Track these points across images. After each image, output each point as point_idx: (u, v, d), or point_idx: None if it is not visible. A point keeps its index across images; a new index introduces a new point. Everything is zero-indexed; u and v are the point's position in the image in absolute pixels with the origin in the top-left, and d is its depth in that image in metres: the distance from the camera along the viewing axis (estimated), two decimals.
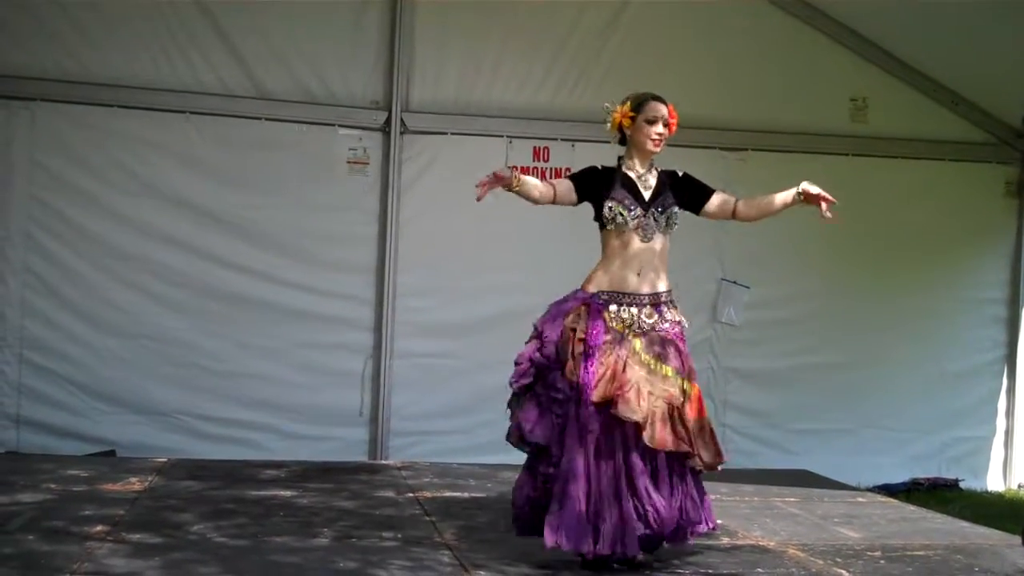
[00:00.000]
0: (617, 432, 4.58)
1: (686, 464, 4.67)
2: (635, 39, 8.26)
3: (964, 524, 6.30)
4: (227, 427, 7.80)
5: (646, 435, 4.54)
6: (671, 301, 4.84)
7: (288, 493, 6.21)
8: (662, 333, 4.74)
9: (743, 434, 8.35)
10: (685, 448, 4.60)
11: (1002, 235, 8.98)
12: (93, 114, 7.69)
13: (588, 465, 4.55)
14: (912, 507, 6.84)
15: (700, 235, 7.49)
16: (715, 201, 4.99)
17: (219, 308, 7.82)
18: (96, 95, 7.67)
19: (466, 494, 6.42)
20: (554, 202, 4.84)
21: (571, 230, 8.37)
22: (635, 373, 4.60)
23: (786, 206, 5.00)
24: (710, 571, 4.78)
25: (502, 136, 8.19)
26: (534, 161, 8.19)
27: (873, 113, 8.63)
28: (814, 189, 4.94)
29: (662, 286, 4.82)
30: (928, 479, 8.51)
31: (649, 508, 4.54)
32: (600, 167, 4.89)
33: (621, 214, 4.75)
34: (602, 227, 4.85)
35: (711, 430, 4.74)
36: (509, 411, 4.82)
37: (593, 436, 4.56)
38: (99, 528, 5.08)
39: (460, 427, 8.01)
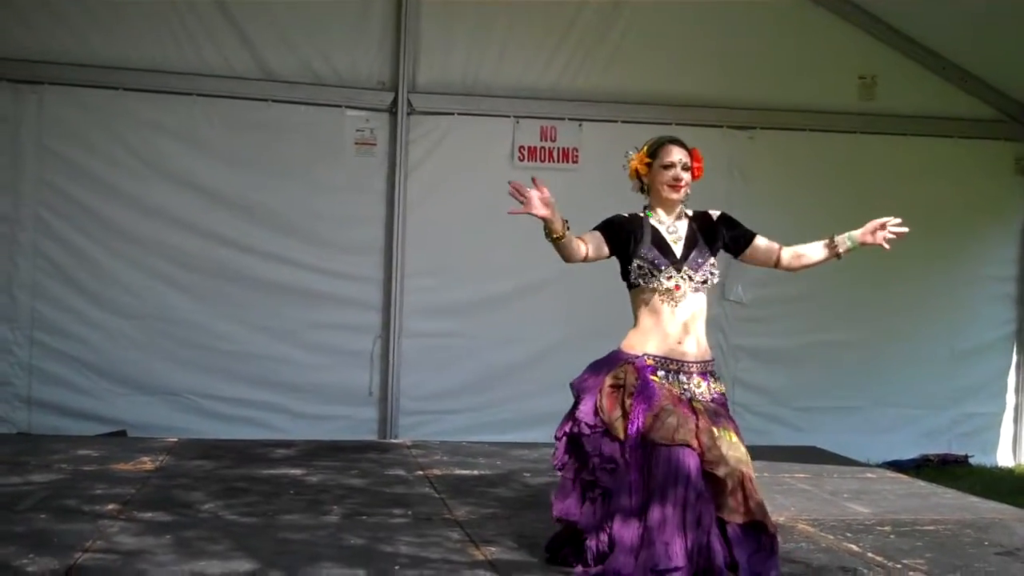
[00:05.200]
0: (681, 482, 4.02)
1: (762, 535, 4.15)
2: (642, 18, 8.25)
3: (974, 499, 6.30)
4: (237, 407, 7.84)
5: (727, 507, 4.08)
6: (714, 371, 4.35)
7: (298, 472, 6.23)
8: (712, 403, 4.24)
9: (753, 412, 8.34)
10: (760, 519, 4.13)
11: (1011, 212, 8.97)
12: (101, 97, 7.71)
13: (650, 526, 4.00)
14: (922, 482, 6.83)
15: None
16: (758, 246, 4.48)
17: (228, 289, 7.85)
18: (103, 78, 7.70)
19: (476, 472, 6.44)
20: (585, 260, 4.32)
21: (580, 210, 8.45)
22: (706, 433, 4.10)
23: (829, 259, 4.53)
24: None
25: (509, 116, 8.19)
26: (541, 141, 8.20)
27: (881, 91, 8.60)
28: (870, 238, 4.54)
29: (707, 353, 4.32)
30: (938, 455, 8.52)
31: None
32: (627, 216, 4.37)
33: (652, 274, 4.25)
34: (630, 287, 4.35)
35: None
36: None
37: (658, 491, 4.01)
38: (111, 507, 5.11)
39: (469, 406, 8.04)
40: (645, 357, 4.22)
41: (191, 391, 7.80)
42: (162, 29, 7.77)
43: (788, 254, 4.51)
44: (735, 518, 4.10)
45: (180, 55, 7.81)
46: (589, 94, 8.19)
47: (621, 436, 4.10)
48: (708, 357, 4.34)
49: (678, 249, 4.32)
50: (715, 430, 4.14)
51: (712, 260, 4.36)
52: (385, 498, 5.60)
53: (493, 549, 4.61)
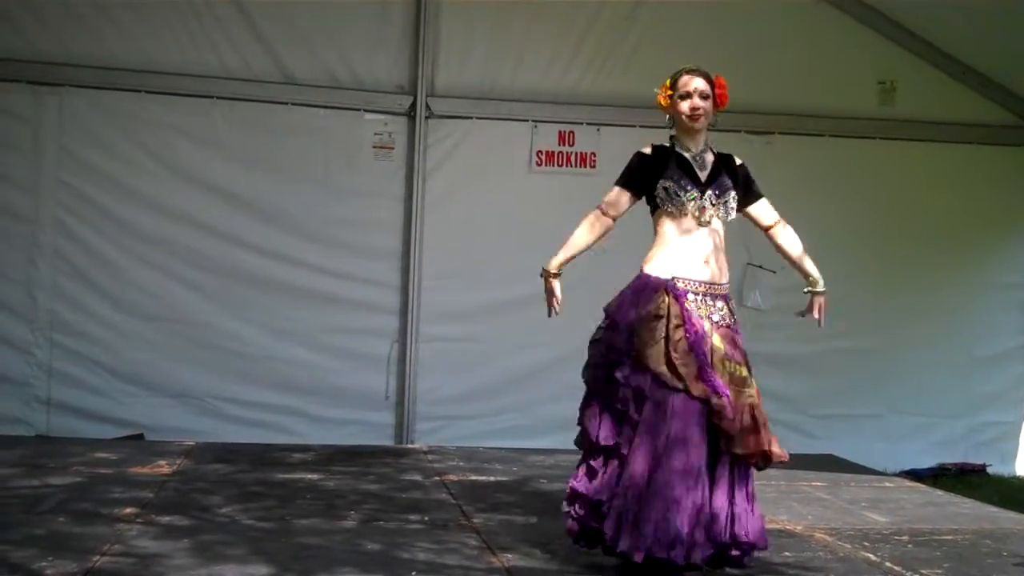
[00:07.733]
0: (692, 432, 4.24)
1: (750, 470, 4.42)
2: (661, 22, 8.22)
3: (992, 509, 6.27)
4: (254, 410, 7.85)
5: (734, 446, 4.30)
6: (729, 295, 4.50)
7: (314, 476, 6.24)
8: (731, 328, 4.43)
9: (769, 419, 8.29)
10: (766, 453, 4.37)
11: None
12: (120, 99, 7.75)
13: (658, 465, 4.20)
14: (940, 492, 6.80)
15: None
16: (759, 207, 4.66)
17: (246, 292, 7.87)
18: (123, 80, 7.73)
19: (492, 478, 6.44)
20: (614, 221, 4.57)
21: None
22: (721, 374, 4.31)
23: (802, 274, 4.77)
24: None
25: (527, 120, 8.19)
26: (559, 145, 8.19)
27: (901, 96, 8.57)
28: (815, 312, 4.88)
29: (726, 277, 4.48)
30: (955, 464, 8.46)
31: (715, 521, 4.27)
32: (649, 149, 4.53)
33: (677, 195, 4.37)
34: (654, 210, 4.48)
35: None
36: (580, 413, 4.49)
37: (670, 434, 4.20)
38: (129, 510, 5.12)
39: (486, 411, 8.04)
40: (675, 280, 4.34)
41: (208, 394, 7.82)
42: (182, 32, 7.80)
43: (780, 236, 4.69)
44: (739, 450, 4.32)
45: (199, 58, 7.84)
46: (607, 98, 8.16)
47: (659, 370, 4.22)
48: (727, 281, 4.48)
49: (703, 176, 4.46)
50: (726, 364, 4.34)
51: (733, 193, 4.50)
52: (401, 503, 5.60)
53: (510, 556, 4.60)
